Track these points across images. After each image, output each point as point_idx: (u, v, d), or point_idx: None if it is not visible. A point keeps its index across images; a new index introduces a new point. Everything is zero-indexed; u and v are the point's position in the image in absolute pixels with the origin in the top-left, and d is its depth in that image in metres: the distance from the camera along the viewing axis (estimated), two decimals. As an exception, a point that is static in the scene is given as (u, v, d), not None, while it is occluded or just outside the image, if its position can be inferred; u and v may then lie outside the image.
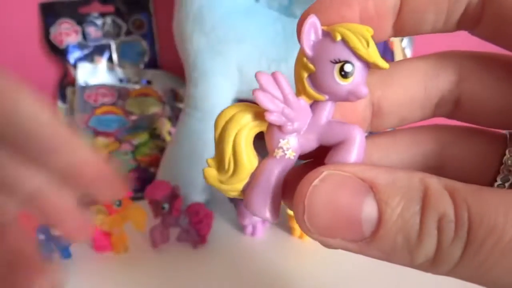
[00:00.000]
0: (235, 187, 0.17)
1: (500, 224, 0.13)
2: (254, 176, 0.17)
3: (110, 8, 0.57)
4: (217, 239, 0.41)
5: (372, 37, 0.15)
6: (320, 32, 0.16)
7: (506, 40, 0.17)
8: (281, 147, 0.17)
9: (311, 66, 0.16)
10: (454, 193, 0.14)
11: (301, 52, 0.16)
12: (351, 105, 0.17)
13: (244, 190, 0.17)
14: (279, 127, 0.16)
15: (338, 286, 0.36)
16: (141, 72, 0.58)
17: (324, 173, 0.15)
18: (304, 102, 0.16)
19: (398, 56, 0.52)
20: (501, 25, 0.17)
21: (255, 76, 0.16)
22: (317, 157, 0.17)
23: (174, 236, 0.39)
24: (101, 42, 0.57)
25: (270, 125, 0.17)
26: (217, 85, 0.42)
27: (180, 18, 0.43)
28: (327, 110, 0.17)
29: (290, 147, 0.16)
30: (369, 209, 0.14)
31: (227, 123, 0.17)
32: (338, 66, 0.15)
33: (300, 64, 0.16)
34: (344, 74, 0.15)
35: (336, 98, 0.16)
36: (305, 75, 0.16)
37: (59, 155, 0.19)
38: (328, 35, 0.16)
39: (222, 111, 0.17)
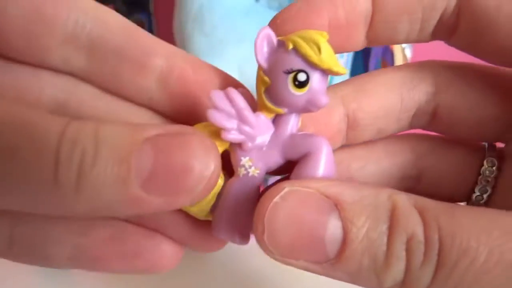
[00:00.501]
0: (202, 209, 0.17)
1: (473, 246, 0.13)
2: (220, 197, 0.16)
3: (110, 8, 0.57)
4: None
5: (330, 41, 0.15)
6: (275, 42, 0.15)
7: (481, 50, 0.17)
8: (243, 165, 0.16)
9: (266, 78, 0.15)
10: (424, 212, 0.14)
11: (258, 66, 0.16)
12: (324, 117, 0.17)
13: (212, 211, 0.17)
14: (240, 145, 0.16)
15: (338, 286, 0.36)
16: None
17: (285, 189, 0.14)
18: (264, 117, 0.16)
19: (398, 56, 0.52)
20: (476, 35, 0.17)
21: (209, 95, 0.15)
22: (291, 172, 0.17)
23: (174, 236, 0.39)
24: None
25: (232, 144, 0.16)
26: (217, 85, 0.42)
27: (180, 18, 0.43)
28: (290, 123, 0.16)
29: (252, 165, 0.16)
30: (333, 228, 0.14)
31: None
32: (291, 76, 0.15)
33: (258, 78, 0.16)
34: (298, 84, 0.15)
35: (295, 109, 0.16)
36: (262, 88, 0.15)
37: (157, 58, 0.17)
38: (282, 45, 0.15)
39: None
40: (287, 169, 0.17)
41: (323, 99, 0.15)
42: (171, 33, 0.45)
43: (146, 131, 0.13)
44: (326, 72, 0.15)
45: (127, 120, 0.17)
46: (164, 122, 0.18)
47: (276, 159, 0.16)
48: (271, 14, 0.45)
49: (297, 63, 0.15)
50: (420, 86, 0.19)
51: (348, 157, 0.18)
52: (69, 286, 0.37)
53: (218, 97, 0.15)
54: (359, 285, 0.14)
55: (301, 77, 0.15)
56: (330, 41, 0.15)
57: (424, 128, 0.19)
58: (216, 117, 0.15)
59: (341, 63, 0.48)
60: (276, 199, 0.14)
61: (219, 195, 0.16)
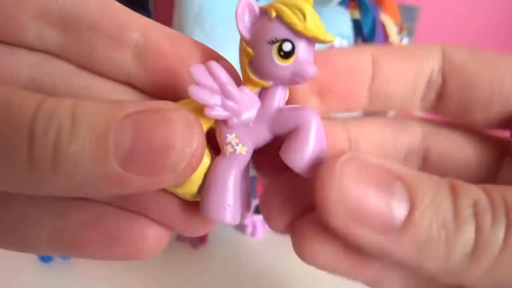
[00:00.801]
0: (189, 190, 0.16)
1: None
2: (207, 177, 0.15)
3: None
4: (217, 239, 0.41)
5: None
6: (257, 11, 0.14)
7: (469, 117, 0.17)
8: (230, 143, 0.15)
9: (249, 50, 0.14)
10: (482, 186, 0.14)
11: (240, 36, 0.15)
12: (329, 138, 0.16)
13: (200, 192, 0.16)
14: (225, 122, 0.15)
15: (338, 286, 0.36)
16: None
17: (349, 154, 0.14)
18: (248, 91, 0.15)
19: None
20: (461, 102, 0.17)
21: (189, 70, 0.14)
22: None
23: (174, 236, 0.39)
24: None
25: (217, 121, 0.15)
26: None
27: (180, 18, 0.43)
28: (277, 97, 0.15)
29: (239, 142, 0.15)
30: (399, 193, 0.13)
31: None
32: (276, 46, 0.14)
33: (241, 50, 0.15)
34: (283, 55, 0.14)
35: (281, 82, 0.15)
36: (246, 61, 0.15)
37: (133, 32, 0.16)
38: (265, 13, 0.14)
39: None
40: (275, 144, 0.16)
41: (311, 70, 0.14)
42: (171, 33, 0.45)
43: (126, 107, 0.13)
44: (312, 40, 0.14)
45: (104, 97, 0.16)
46: (144, 98, 0.17)
47: (264, 135, 0.15)
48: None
49: (281, 32, 0.14)
50: (410, 129, 0.19)
51: (355, 131, 0.18)
52: (68, 284, 0.37)
53: (199, 71, 0.14)
54: (423, 263, 0.13)
55: (286, 47, 0.14)
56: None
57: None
58: (198, 93, 0.14)
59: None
60: (343, 159, 0.13)
61: (206, 174, 0.16)
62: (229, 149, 0.15)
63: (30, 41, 0.16)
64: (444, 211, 0.13)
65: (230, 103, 0.14)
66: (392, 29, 0.51)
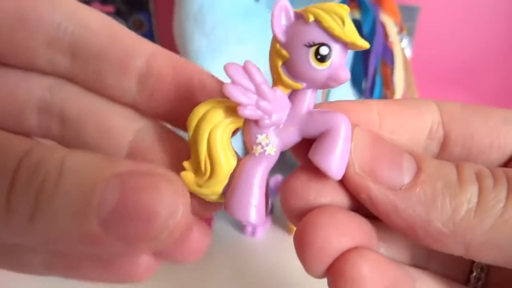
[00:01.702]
0: (214, 190, 0.16)
1: None
2: (233, 177, 0.16)
3: (110, 8, 0.57)
4: (217, 239, 0.41)
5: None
6: (292, 15, 0.15)
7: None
8: (260, 143, 0.15)
9: (284, 52, 0.14)
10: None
11: (274, 39, 0.15)
12: (362, 120, 0.17)
13: (225, 193, 0.16)
14: (256, 122, 0.15)
15: None
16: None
17: (359, 127, 0.15)
18: (281, 92, 0.15)
19: (398, 57, 0.52)
20: (467, 150, 0.17)
21: (224, 68, 0.14)
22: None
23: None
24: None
25: (247, 121, 0.15)
26: (217, 85, 0.42)
27: (180, 18, 0.43)
28: (307, 99, 0.15)
29: (269, 143, 0.15)
30: (408, 158, 0.15)
31: (199, 122, 0.15)
32: (313, 49, 0.14)
33: (273, 52, 0.15)
34: (320, 58, 0.14)
35: (315, 85, 0.15)
36: (280, 63, 0.15)
37: (138, 59, 0.17)
38: (300, 17, 0.14)
39: (194, 110, 0.15)
40: (302, 146, 0.16)
41: (345, 74, 0.15)
42: (171, 33, 0.45)
43: (116, 165, 0.12)
44: (348, 46, 0.15)
45: (112, 120, 0.17)
46: (148, 122, 0.17)
47: (293, 137, 0.15)
48: (271, 14, 0.46)
49: (319, 36, 0.14)
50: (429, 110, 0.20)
51: (382, 113, 0.19)
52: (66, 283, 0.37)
53: (235, 70, 0.14)
54: (430, 219, 0.14)
55: (324, 50, 0.14)
56: None
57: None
58: (233, 92, 0.14)
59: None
60: (361, 127, 0.15)
61: (232, 175, 0.16)
62: (258, 149, 0.15)
63: (43, 66, 0.17)
64: (448, 174, 0.14)
65: (263, 103, 0.15)
66: (392, 29, 0.51)
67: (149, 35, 0.58)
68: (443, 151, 0.18)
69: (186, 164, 0.16)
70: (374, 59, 0.49)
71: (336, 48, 0.14)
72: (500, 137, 0.17)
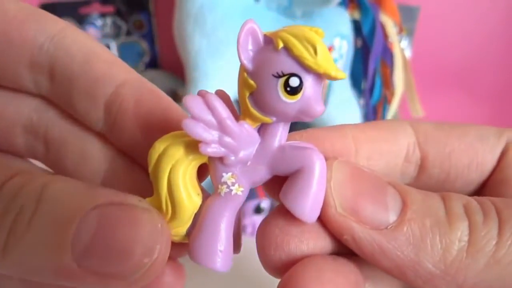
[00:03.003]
0: (177, 232, 0.14)
1: None
2: (198, 217, 0.14)
3: (110, 8, 0.57)
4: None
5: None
6: (261, 39, 0.13)
7: (449, 185, 0.17)
8: (225, 182, 0.14)
9: (251, 82, 0.13)
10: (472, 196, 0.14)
11: (241, 66, 0.13)
12: (337, 146, 0.16)
13: (189, 235, 0.15)
14: (221, 159, 0.14)
15: None
16: (141, 72, 0.58)
17: (340, 159, 0.14)
18: (248, 126, 0.13)
19: (398, 57, 0.52)
20: (445, 170, 0.17)
21: (183, 102, 0.13)
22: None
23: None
24: (101, 42, 0.57)
25: (211, 158, 0.14)
26: (217, 85, 0.41)
27: (180, 18, 0.43)
28: (278, 134, 0.14)
29: (235, 182, 0.14)
30: (393, 194, 0.14)
31: (160, 157, 0.14)
32: (282, 80, 0.13)
33: (241, 81, 0.13)
34: (290, 90, 0.13)
35: (285, 118, 0.13)
36: (247, 93, 0.13)
37: (107, 87, 0.16)
38: (270, 42, 0.13)
39: (154, 144, 0.14)
40: (275, 182, 0.15)
41: (318, 108, 0.13)
42: (171, 33, 0.45)
43: (96, 196, 0.12)
44: (322, 76, 0.13)
45: (88, 146, 0.17)
46: (114, 153, 0.17)
47: (262, 175, 0.14)
48: (271, 14, 0.46)
49: (289, 66, 0.12)
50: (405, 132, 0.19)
51: (358, 140, 0.18)
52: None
53: (195, 103, 0.13)
54: (420, 259, 0.13)
55: (294, 82, 0.13)
56: None
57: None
58: (194, 128, 0.13)
59: (341, 63, 0.48)
60: (340, 159, 0.14)
61: (197, 215, 0.14)
62: (224, 189, 0.14)
63: (27, 87, 0.16)
64: (436, 209, 0.13)
65: (228, 140, 0.13)
66: (391, 29, 0.51)
67: (149, 35, 0.58)
68: (422, 174, 0.17)
69: (148, 201, 0.14)
70: (373, 59, 0.49)
71: (308, 79, 0.13)
72: (478, 155, 0.17)
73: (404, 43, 0.57)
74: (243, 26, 0.13)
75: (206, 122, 0.13)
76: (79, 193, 0.12)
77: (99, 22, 0.57)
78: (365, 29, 0.49)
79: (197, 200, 0.14)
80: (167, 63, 0.59)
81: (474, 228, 0.13)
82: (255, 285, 0.37)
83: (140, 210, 0.12)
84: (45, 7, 0.55)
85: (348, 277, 0.14)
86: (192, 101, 0.13)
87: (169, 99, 0.17)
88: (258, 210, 0.41)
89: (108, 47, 0.57)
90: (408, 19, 0.58)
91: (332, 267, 0.14)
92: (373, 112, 0.52)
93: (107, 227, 0.12)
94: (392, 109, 0.52)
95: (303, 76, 0.13)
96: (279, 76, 0.13)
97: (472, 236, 0.13)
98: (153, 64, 0.59)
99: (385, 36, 0.51)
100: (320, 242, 0.14)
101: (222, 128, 0.13)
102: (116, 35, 0.57)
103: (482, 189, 0.17)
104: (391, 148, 0.17)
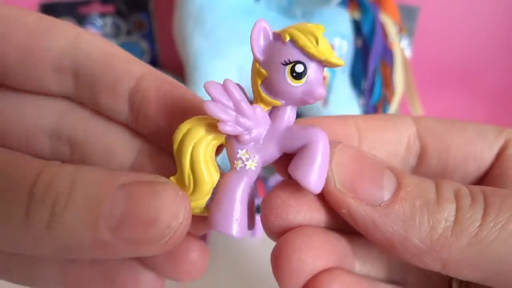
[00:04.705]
0: (198, 204, 0.16)
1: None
2: (216, 191, 0.16)
3: (110, 8, 0.57)
4: (217, 239, 0.41)
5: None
6: (271, 35, 0.16)
7: (447, 177, 0.19)
8: (240, 158, 0.16)
9: (263, 71, 0.15)
10: (464, 183, 0.15)
11: (254, 58, 0.16)
12: (341, 135, 0.18)
13: (208, 207, 0.16)
14: (237, 138, 0.16)
15: None
16: (141, 72, 0.58)
17: (343, 143, 0.16)
18: (260, 109, 0.16)
19: (398, 57, 0.52)
20: (443, 162, 0.18)
21: (204, 86, 0.15)
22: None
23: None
24: (101, 42, 0.57)
25: (229, 136, 0.16)
26: (217, 85, 0.42)
27: (180, 18, 0.43)
28: (287, 115, 0.16)
29: (249, 158, 0.16)
30: (389, 175, 0.15)
31: (183, 137, 0.16)
32: (289, 67, 0.15)
33: (254, 71, 0.16)
34: (296, 75, 0.15)
35: (292, 101, 0.16)
36: (259, 81, 0.16)
37: (127, 82, 0.18)
38: (278, 37, 0.15)
39: (179, 126, 0.16)
40: (282, 162, 0.16)
41: (320, 90, 0.15)
42: (171, 33, 0.45)
43: (121, 177, 0.14)
44: (323, 63, 0.15)
45: (115, 143, 0.18)
46: (142, 143, 0.18)
47: (272, 152, 0.16)
48: (271, 14, 0.46)
49: (295, 55, 0.15)
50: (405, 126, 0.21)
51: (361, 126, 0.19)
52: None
53: (214, 88, 0.15)
54: (408, 235, 0.14)
55: (299, 68, 0.15)
56: None
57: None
58: (213, 109, 0.15)
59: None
60: (342, 144, 0.16)
61: (215, 190, 0.16)
62: (239, 164, 0.16)
63: (52, 90, 0.18)
64: (427, 192, 0.14)
65: (242, 120, 0.15)
66: (391, 29, 0.51)
67: (149, 35, 0.58)
68: (421, 164, 0.19)
69: (172, 178, 0.16)
70: (373, 59, 0.49)
71: (311, 65, 0.15)
72: (476, 150, 0.18)
73: (404, 43, 0.57)
74: (255, 25, 0.15)
75: (224, 104, 0.15)
76: (106, 175, 0.14)
77: (99, 22, 0.57)
78: (365, 29, 0.49)
79: (215, 176, 0.16)
80: (167, 63, 0.59)
81: (461, 210, 0.14)
82: (256, 285, 0.37)
83: (159, 184, 0.14)
84: (45, 6, 0.55)
85: (335, 248, 0.16)
86: (212, 86, 0.15)
87: (184, 87, 0.18)
88: (258, 209, 0.41)
89: (108, 47, 0.57)
90: (408, 19, 0.58)
91: (322, 236, 0.16)
92: (373, 111, 0.52)
93: (135, 201, 0.13)
94: (392, 108, 0.52)
95: (307, 63, 0.15)
96: (286, 64, 0.15)
97: (458, 217, 0.14)
98: (153, 64, 0.59)
99: (385, 36, 0.51)
100: (316, 215, 0.16)
101: (238, 109, 0.15)
102: (116, 35, 0.57)
103: (480, 183, 0.18)
104: (393, 138, 0.18)
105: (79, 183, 0.13)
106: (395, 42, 0.51)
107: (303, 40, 0.15)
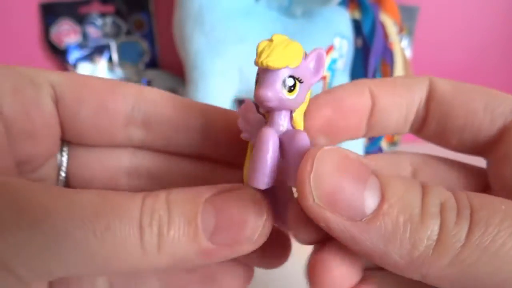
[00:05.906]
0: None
1: (501, 210, 0.14)
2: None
3: (110, 8, 0.57)
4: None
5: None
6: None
7: (445, 140, 0.20)
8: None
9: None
10: (453, 190, 0.15)
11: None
12: (354, 99, 0.19)
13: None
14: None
15: None
16: (141, 72, 0.58)
17: (330, 146, 0.15)
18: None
19: (398, 57, 0.52)
20: (440, 125, 0.19)
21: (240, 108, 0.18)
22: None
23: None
24: (101, 42, 0.57)
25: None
26: (217, 85, 0.42)
27: (180, 18, 0.43)
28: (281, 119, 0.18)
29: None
30: (373, 185, 0.14)
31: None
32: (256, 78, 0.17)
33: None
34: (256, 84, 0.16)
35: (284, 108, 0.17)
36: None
37: (197, 119, 0.20)
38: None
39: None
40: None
41: (259, 92, 0.16)
42: (171, 33, 0.45)
43: (204, 193, 0.16)
44: (267, 68, 0.16)
45: (182, 170, 0.22)
46: (204, 165, 0.22)
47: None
48: (271, 14, 0.46)
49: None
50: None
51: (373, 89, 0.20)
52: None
53: (240, 109, 0.18)
54: (389, 252, 0.14)
55: (256, 78, 0.16)
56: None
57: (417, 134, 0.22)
58: (239, 125, 0.18)
59: (341, 63, 0.48)
60: (326, 148, 0.15)
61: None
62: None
63: (121, 142, 0.21)
64: (412, 206, 0.14)
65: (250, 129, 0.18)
66: (391, 29, 0.51)
67: (149, 35, 0.58)
68: (421, 128, 0.20)
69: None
70: (374, 59, 0.49)
71: (261, 72, 0.16)
72: (475, 120, 0.19)
73: (404, 43, 0.57)
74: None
75: (243, 122, 0.18)
76: (190, 194, 0.16)
77: (99, 21, 0.57)
78: (365, 29, 0.49)
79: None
80: (167, 63, 0.59)
81: (445, 227, 0.13)
82: (256, 285, 0.37)
83: (238, 190, 0.16)
84: (45, 6, 0.55)
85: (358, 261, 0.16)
86: (240, 108, 0.18)
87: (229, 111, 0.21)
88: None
89: (108, 46, 0.57)
90: (408, 19, 0.58)
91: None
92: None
93: (223, 210, 0.15)
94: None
95: (260, 72, 0.16)
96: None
97: (441, 236, 0.13)
98: (153, 64, 0.59)
99: (385, 35, 0.50)
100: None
101: (248, 124, 0.18)
102: (116, 34, 0.57)
103: (479, 150, 0.19)
104: (406, 103, 0.19)
105: (173, 204, 0.15)
106: (395, 42, 0.51)
107: (256, 60, 0.16)
